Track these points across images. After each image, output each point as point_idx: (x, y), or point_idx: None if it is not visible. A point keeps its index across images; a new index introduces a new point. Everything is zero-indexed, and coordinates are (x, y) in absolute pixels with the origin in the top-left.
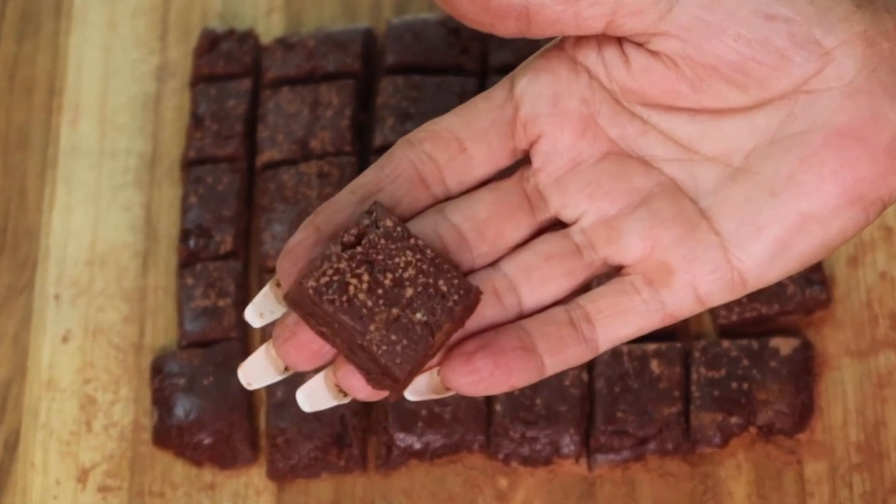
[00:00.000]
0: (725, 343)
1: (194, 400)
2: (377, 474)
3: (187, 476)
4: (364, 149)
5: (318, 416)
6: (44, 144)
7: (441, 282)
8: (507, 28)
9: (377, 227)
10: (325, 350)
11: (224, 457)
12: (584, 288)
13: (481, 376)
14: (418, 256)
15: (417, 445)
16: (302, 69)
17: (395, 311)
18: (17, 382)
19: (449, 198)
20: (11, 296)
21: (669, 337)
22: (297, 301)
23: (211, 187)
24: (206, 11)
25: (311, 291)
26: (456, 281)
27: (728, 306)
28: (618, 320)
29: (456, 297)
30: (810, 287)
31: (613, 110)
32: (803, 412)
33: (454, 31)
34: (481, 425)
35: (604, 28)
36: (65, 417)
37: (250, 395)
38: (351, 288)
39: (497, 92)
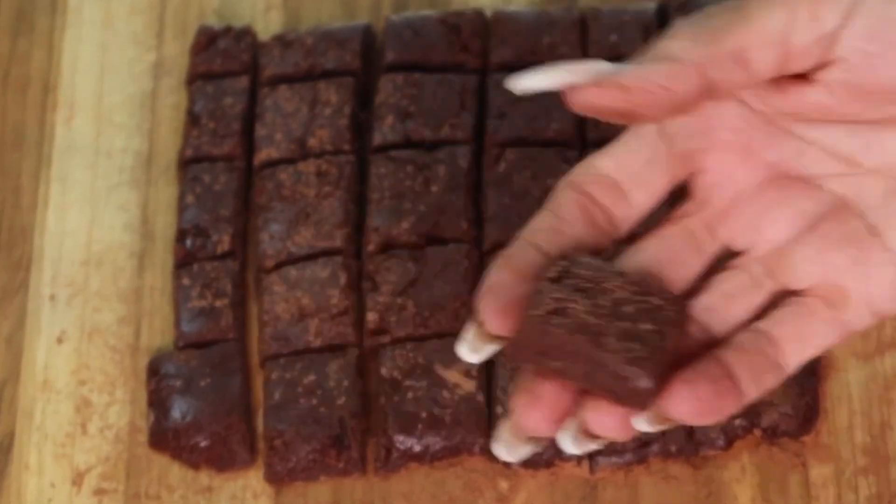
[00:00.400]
0: None
1: (191, 402)
2: (376, 477)
3: (184, 479)
4: (363, 147)
5: (316, 418)
6: (38, 143)
7: (651, 298)
8: (693, 104)
9: (574, 264)
10: (566, 408)
11: (221, 459)
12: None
13: (703, 403)
14: (623, 280)
15: (417, 448)
16: (300, 67)
17: (622, 324)
18: (11, 384)
19: (617, 238)
20: (6, 296)
21: None
22: (524, 339)
23: (208, 186)
24: (203, 8)
25: (538, 321)
26: (666, 295)
27: None
28: (802, 343)
29: (671, 309)
30: None
31: (769, 134)
32: (808, 414)
33: (454, 28)
34: (482, 427)
35: (774, 75)
36: (60, 419)
37: (248, 396)
38: (574, 312)
39: (648, 129)
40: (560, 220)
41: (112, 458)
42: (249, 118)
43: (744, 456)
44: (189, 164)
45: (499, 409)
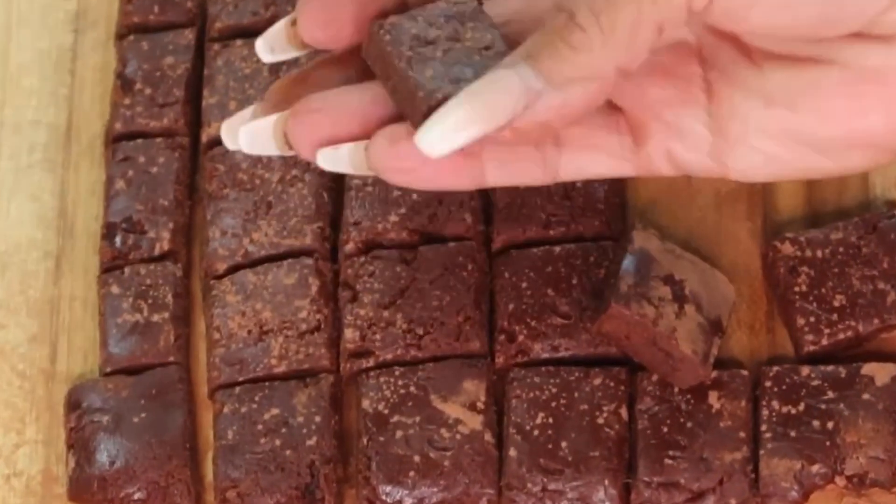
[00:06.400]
0: (805, 370)
1: (121, 442)
2: None
3: None
4: None
5: (280, 463)
6: None
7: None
8: None
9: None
10: (344, 32)
11: None
12: None
13: (411, 165)
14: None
15: (408, 501)
16: (259, 17)
17: (448, 58)
18: None
19: None
20: None
21: (732, 362)
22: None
23: (143, 169)
24: None
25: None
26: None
27: (815, 328)
28: (587, 154)
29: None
30: None
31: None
32: None
33: None
34: (490, 475)
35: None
36: None
37: (193, 436)
38: (406, 32)
39: None
40: None
41: None
42: (195, 83)
43: None
44: (119, 140)
45: (512, 452)
